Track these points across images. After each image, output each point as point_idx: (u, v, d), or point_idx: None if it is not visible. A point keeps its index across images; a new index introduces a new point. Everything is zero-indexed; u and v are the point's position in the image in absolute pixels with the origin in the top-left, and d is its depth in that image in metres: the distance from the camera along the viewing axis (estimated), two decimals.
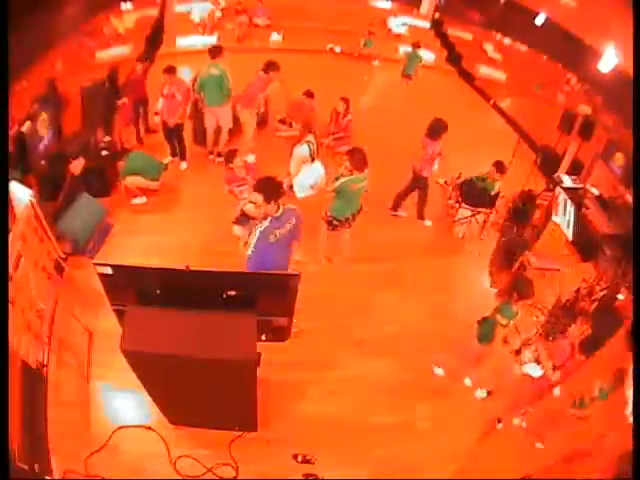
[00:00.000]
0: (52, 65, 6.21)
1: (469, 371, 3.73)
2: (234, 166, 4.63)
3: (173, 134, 5.83)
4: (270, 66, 5.60)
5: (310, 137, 5.11)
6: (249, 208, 3.04)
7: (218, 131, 6.02)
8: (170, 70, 5.40)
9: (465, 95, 9.99)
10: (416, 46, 8.57)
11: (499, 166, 5.13)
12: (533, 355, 3.93)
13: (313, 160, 5.10)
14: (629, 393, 2.87)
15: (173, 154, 5.98)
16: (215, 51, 5.51)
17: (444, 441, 3.40)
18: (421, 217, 5.58)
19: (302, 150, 5.07)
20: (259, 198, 2.94)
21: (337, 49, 10.55)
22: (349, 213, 4.29)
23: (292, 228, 3.16)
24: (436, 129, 4.90)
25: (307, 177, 5.03)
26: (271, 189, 2.97)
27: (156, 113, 5.90)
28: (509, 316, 3.25)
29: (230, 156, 4.68)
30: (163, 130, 5.83)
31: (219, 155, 5.92)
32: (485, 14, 10.87)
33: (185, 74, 6.81)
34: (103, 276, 2.27)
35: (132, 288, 2.35)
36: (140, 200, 5.29)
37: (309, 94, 6.38)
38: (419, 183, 5.30)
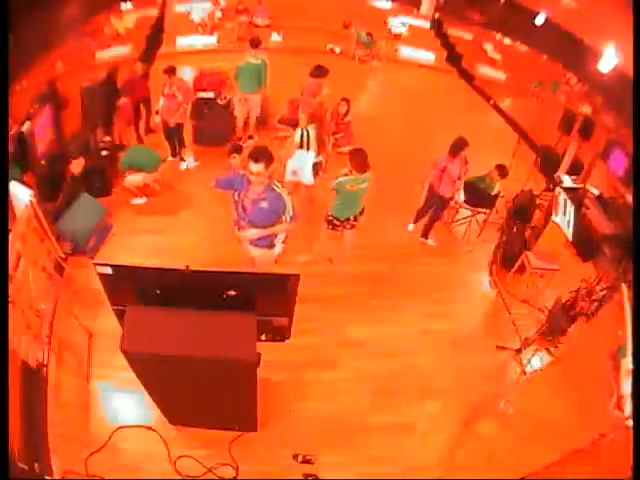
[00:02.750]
0: (52, 65, 6.19)
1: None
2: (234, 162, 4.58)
3: (173, 134, 5.83)
4: (318, 70, 5.63)
5: (309, 127, 5.06)
6: (253, 179, 3.10)
7: (247, 121, 6.25)
8: (170, 70, 5.42)
9: (465, 95, 9.98)
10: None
11: (501, 170, 5.13)
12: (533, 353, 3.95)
13: (308, 149, 5.06)
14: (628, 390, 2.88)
15: (173, 154, 5.98)
16: (255, 42, 5.82)
17: (443, 441, 3.40)
18: (425, 236, 5.29)
19: (295, 135, 5.03)
20: (261, 167, 3.01)
21: (337, 49, 10.55)
22: (349, 214, 4.27)
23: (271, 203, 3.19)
24: (455, 146, 4.69)
25: (293, 162, 4.98)
26: (267, 157, 3.07)
27: (156, 112, 5.91)
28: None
29: (235, 149, 4.64)
30: (163, 130, 5.84)
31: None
32: (485, 14, 10.84)
33: (186, 74, 6.81)
34: (103, 276, 2.26)
35: (132, 288, 2.35)
36: (140, 200, 5.30)
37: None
38: (435, 201, 5.00)
